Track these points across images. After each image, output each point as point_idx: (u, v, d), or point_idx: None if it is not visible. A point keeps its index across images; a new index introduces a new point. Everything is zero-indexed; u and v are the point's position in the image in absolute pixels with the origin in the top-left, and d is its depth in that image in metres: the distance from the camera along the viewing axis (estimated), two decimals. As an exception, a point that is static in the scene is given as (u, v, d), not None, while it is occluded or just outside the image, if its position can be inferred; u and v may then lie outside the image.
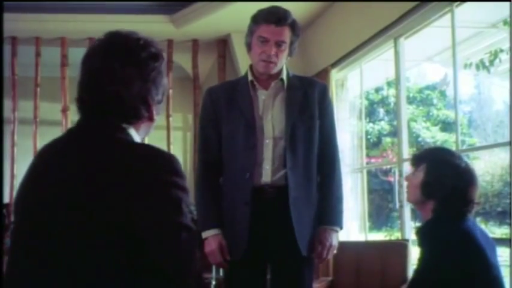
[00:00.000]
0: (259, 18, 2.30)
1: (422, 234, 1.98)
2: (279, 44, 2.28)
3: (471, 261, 1.83)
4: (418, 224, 2.18)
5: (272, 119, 2.33)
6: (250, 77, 2.37)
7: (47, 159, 1.31)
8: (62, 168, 1.25)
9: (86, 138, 1.29)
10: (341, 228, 2.42)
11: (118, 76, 1.29)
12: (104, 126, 1.30)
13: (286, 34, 2.29)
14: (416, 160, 2.07)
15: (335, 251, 2.43)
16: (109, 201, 1.18)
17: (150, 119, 1.36)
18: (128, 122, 1.32)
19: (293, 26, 2.31)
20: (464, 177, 1.95)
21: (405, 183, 2.13)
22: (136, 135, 1.34)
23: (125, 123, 1.32)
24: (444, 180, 1.94)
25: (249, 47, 2.36)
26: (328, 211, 2.36)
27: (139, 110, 1.32)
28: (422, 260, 1.94)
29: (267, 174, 2.29)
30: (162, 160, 1.25)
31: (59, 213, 1.19)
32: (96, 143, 1.27)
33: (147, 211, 1.19)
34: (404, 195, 2.28)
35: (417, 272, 1.98)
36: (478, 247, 1.86)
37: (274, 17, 2.27)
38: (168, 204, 1.21)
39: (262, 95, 2.36)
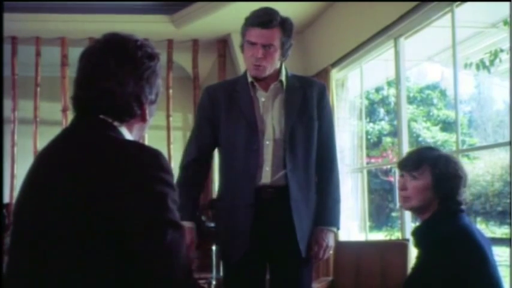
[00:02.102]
0: (247, 21, 2.30)
1: (421, 233, 1.98)
2: (267, 47, 2.26)
3: (470, 257, 1.84)
4: (418, 224, 2.17)
5: (272, 120, 2.33)
6: (250, 78, 2.37)
7: (41, 160, 1.32)
8: (53, 167, 1.25)
9: (78, 137, 1.30)
10: (338, 229, 2.42)
11: (112, 73, 1.30)
12: (95, 124, 1.30)
13: (275, 36, 2.26)
14: (415, 164, 2.01)
15: (331, 252, 2.43)
16: (96, 199, 1.18)
17: (143, 119, 1.36)
18: (121, 120, 1.33)
19: (283, 27, 2.28)
20: (464, 173, 1.99)
21: (400, 192, 2.05)
22: (128, 135, 1.34)
23: (118, 121, 1.32)
24: (452, 176, 1.95)
25: (242, 49, 2.36)
26: (325, 212, 2.36)
27: (131, 107, 1.32)
28: (422, 257, 1.93)
29: (266, 176, 2.29)
30: (147, 156, 1.25)
31: (51, 213, 1.20)
32: (87, 142, 1.27)
33: (132, 207, 1.19)
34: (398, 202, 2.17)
35: (416, 268, 1.97)
36: (476, 243, 1.87)
37: (260, 20, 2.26)
38: (153, 200, 1.21)
39: (261, 97, 2.35)
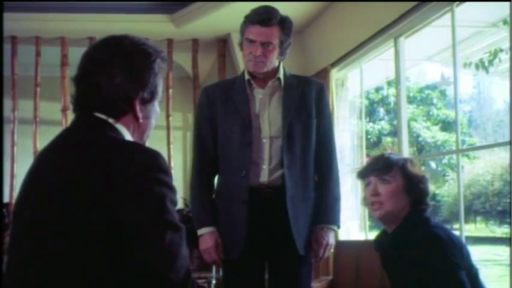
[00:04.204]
0: (247, 19, 2.31)
1: (397, 243, 1.92)
2: (265, 45, 2.27)
3: (460, 253, 1.83)
4: (381, 235, 2.09)
5: (269, 117, 2.32)
6: (247, 76, 2.37)
7: (41, 160, 1.31)
8: (53, 167, 1.25)
9: (77, 138, 1.29)
10: (338, 227, 2.41)
11: (101, 67, 1.29)
12: (95, 124, 1.30)
13: (274, 34, 2.27)
14: (386, 167, 1.95)
15: (332, 250, 2.43)
16: (95, 200, 1.17)
17: (135, 117, 1.33)
18: (112, 116, 1.31)
19: (282, 25, 2.28)
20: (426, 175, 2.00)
21: (372, 199, 1.97)
22: (128, 135, 1.33)
23: (111, 118, 1.30)
24: (421, 177, 1.95)
25: (241, 47, 2.36)
26: (325, 210, 2.36)
27: (117, 102, 1.30)
28: (408, 265, 1.85)
29: (264, 174, 2.29)
30: (145, 157, 1.24)
31: (50, 213, 1.20)
32: (86, 142, 1.27)
33: (131, 208, 1.18)
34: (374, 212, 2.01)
35: (407, 278, 1.88)
36: (459, 239, 1.89)
37: (259, 18, 2.26)
38: (152, 201, 1.21)
39: (259, 94, 2.36)
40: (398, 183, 1.93)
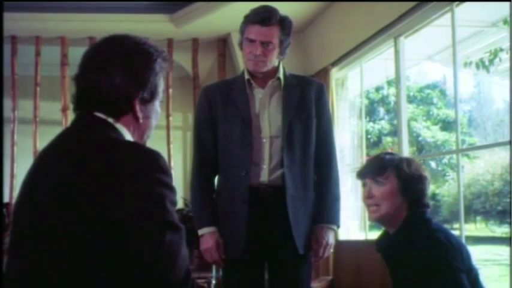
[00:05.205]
0: (247, 18, 2.31)
1: (395, 246, 1.90)
2: (265, 44, 2.27)
3: (463, 256, 1.82)
4: (382, 237, 2.05)
5: (269, 117, 2.33)
6: (247, 76, 2.37)
7: (41, 160, 1.31)
8: (53, 168, 1.25)
9: (77, 138, 1.29)
10: (338, 226, 2.41)
11: (102, 65, 1.29)
12: (94, 124, 1.29)
13: (274, 34, 2.27)
14: (379, 169, 1.93)
15: (332, 250, 2.43)
16: (93, 200, 1.17)
17: (135, 117, 1.33)
18: (112, 115, 1.30)
19: (282, 25, 2.29)
20: (427, 174, 1.96)
21: (368, 201, 1.94)
22: (128, 135, 1.32)
23: (111, 117, 1.30)
24: (418, 177, 1.92)
25: (240, 47, 2.37)
26: (325, 209, 2.36)
27: (118, 102, 1.30)
28: (408, 269, 1.82)
29: (264, 174, 2.29)
30: (145, 157, 1.23)
31: (50, 214, 1.20)
32: (86, 142, 1.26)
33: (131, 208, 1.18)
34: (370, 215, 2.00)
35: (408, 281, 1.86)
36: (459, 241, 1.86)
37: (259, 17, 2.26)
38: (151, 202, 1.20)
39: (258, 94, 2.36)
40: (393, 184, 1.90)
